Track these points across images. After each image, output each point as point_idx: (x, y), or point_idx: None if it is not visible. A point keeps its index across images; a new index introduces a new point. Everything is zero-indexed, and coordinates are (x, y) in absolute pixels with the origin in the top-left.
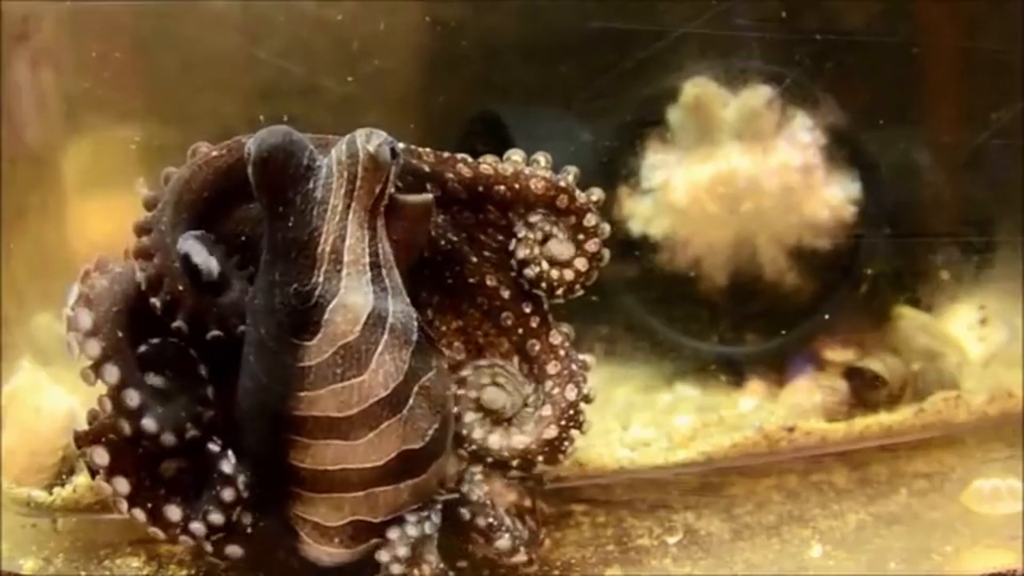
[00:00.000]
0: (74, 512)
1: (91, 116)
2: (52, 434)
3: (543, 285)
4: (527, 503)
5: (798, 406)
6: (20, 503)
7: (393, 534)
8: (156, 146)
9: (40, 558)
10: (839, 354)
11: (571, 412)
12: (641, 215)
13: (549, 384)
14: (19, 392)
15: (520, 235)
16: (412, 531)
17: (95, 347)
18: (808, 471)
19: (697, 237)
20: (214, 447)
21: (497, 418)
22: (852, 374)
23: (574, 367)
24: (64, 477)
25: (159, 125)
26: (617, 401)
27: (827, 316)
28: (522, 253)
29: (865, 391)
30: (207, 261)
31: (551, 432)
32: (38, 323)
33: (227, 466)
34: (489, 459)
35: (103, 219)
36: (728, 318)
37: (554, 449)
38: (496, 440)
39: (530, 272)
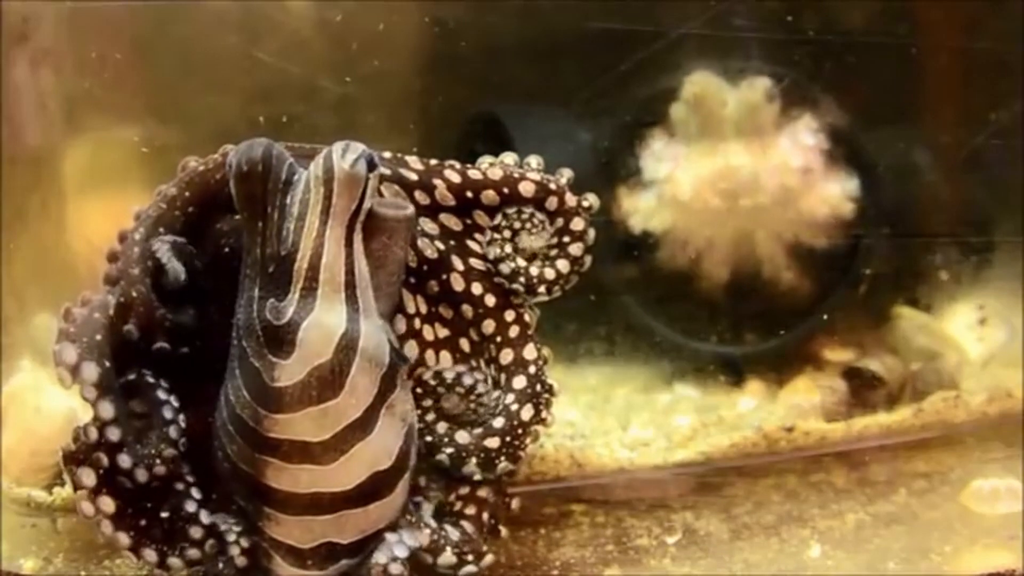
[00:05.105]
0: (74, 512)
1: (91, 116)
2: (52, 434)
3: (521, 280)
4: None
5: (797, 406)
6: (20, 503)
7: (392, 537)
8: (156, 146)
9: (40, 558)
10: (838, 354)
11: (519, 431)
12: (641, 213)
13: (511, 397)
14: (19, 392)
15: (488, 236)
16: (409, 539)
17: (92, 372)
18: (807, 471)
19: (697, 236)
20: (180, 484)
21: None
22: (851, 374)
23: (539, 388)
24: (64, 477)
25: (159, 125)
26: (617, 401)
27: (826, 316)
28: (493, 253)
29: (864, 391)
30: (175, 267)
31: (492, 443)
32: (38, 323)
33: (191, 504)
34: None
35: (103, 219)
36: (727, 318)
37: (489, 459)
38: (443, 428)
39: (505, 268)
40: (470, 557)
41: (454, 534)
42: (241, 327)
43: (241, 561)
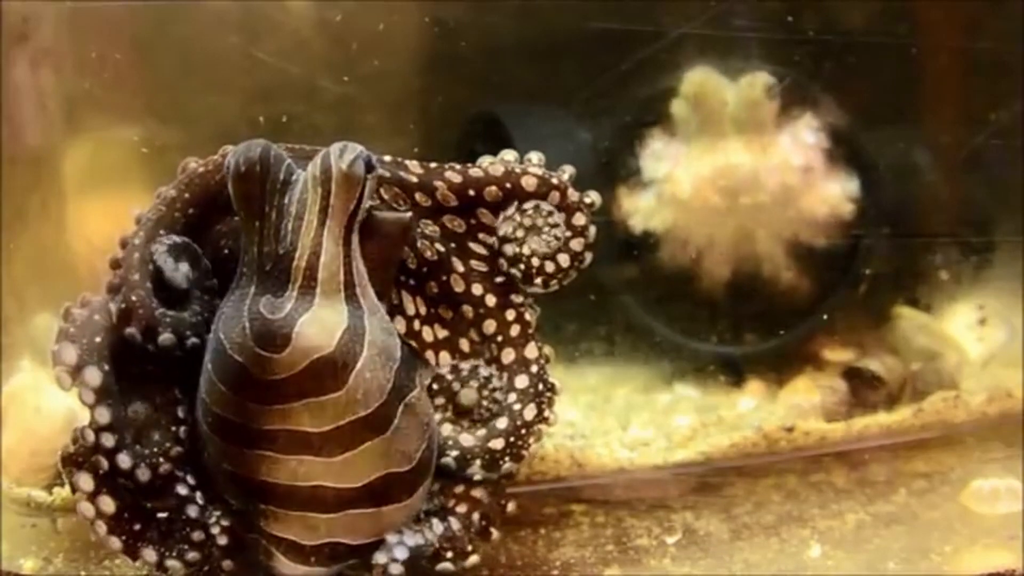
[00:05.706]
0: (74, 512)
1: (91, 116)
2: (52, 434)
3: (521, 267)
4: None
5: (797, 406)
6: (20, 503)
7: (392, 539)
8: (156, 146)
9: (40, 558)
10: (838, 354)
11: (523, 431)
12: (641, 212)
13: (513, 397)
14: (19, 392)
15: (508, 213)
16: (410, 540)
17: (95, 376)
18: (807, 471)
19: (697, 235)
20: (183, 489)
21: (467, 416)
22: (851, 374)
23: (541, 387)
24: (64, 477)
25: (159, 125)
26: (617, 401)
27: (826, 316)
28: (504, 230)
29: (864, 391)
30: (174, 270)
31: (497, 444)
32: (38, 323)
33: (194, 510)
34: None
35: (103, 219)
36: (727, 317)
37: (494, 460)
38: (447, 430)
39: (509, 249)
40: (449, 554)
41: (438, 527)
42: (222, 320)
43: (223, 540)
